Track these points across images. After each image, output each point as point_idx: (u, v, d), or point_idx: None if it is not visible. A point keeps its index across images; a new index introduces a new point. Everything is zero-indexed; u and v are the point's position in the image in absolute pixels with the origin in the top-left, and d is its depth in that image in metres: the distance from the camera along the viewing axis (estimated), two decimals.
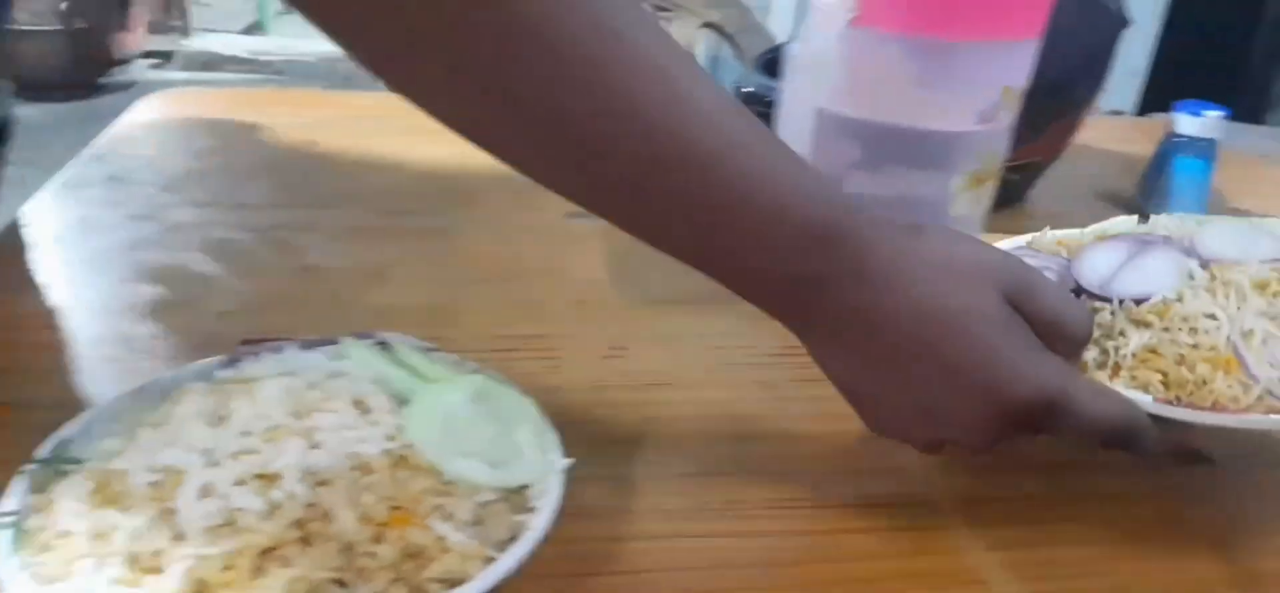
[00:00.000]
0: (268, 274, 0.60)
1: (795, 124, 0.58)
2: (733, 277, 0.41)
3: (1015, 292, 0.39)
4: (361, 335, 0.42)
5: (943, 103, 0.54)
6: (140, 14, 3.98)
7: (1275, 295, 0.44)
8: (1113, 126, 1.03)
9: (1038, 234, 0.54)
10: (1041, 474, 0.47)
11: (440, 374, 0.40)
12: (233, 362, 0.40)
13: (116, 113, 0.87)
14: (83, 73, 3.69)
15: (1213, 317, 0.43)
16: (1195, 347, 0.42)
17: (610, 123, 0.36)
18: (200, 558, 0.31)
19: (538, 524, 0.35)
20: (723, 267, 0.40)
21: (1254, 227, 0.49)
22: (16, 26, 3.36)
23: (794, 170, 0.39)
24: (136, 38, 3.99)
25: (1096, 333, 0.43)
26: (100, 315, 0.55)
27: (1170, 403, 0.41)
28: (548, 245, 0.67)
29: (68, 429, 0.37)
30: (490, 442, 0.38)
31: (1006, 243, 0.52)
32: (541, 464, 0.38)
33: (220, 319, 0.54)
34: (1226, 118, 0.81)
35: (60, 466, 0.36)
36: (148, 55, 4.09)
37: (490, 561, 0.33)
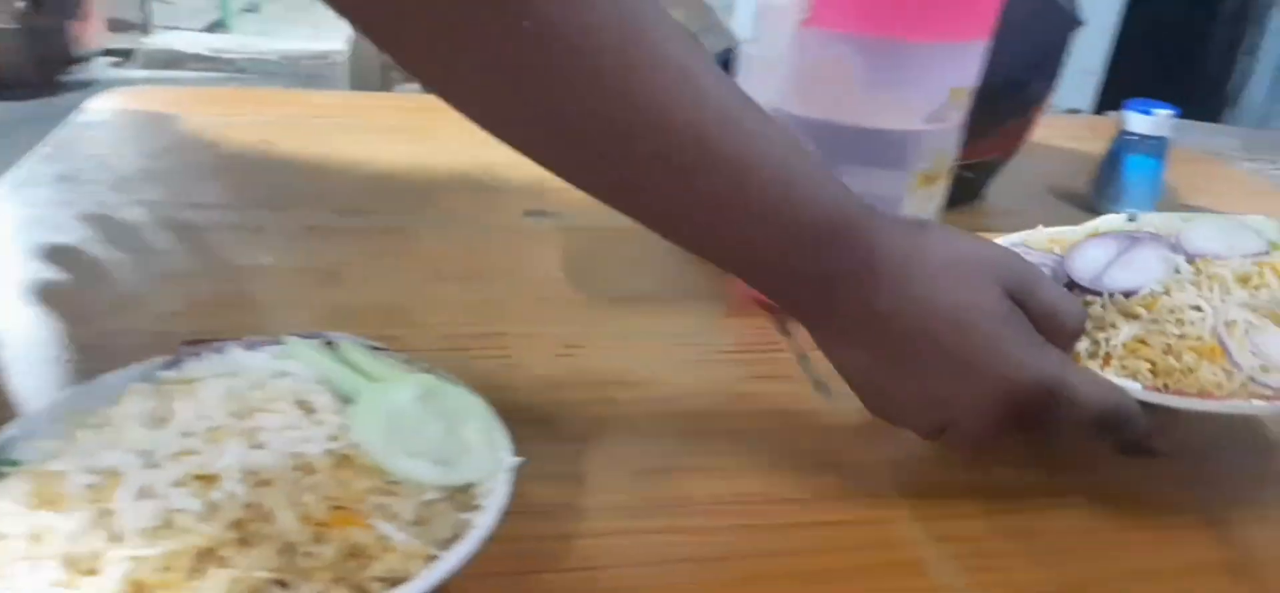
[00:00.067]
0: (219, 274, 0.60)
1: None
2: (748, 270, 0.43)
3: (1015, 286, 0.41)
4: (307, 335, 0.41)
5: (893, 103, 0.55)
6: (99, 11, 3.92)
7: (1257, 288, 0.46)
8: (1067, 125, 1.04)
9: (1031, 232, 0.55)
10: (985, 468, 0.47)
11: (387, 373, 0.40)
12: (175, 362, 0.40)
13: (74, 111, 0.86)
14: (41, 71, 3.62)
15: (1198, 308, 0.45)
16: (1181, 337, 0.45)
17: (636, 124, 0.37)
18: (137, 559, 0.31)
19: (483, 523, 0.35)
20: (738, 261, 0.42)
21: (1237, 223, 0.51)
22: None
23: (809, 169, 0.40)
24: (95, 35, 3.93)
25: (1088, 325, 0.45)
26: (46, 316, 0.54)
27: (1158, 390, 0.43)
28: (506, 245, 0.67)
29: (7, 431, 0.37)
30: (436, 441, 0.37)
31: (1002, 240, 0.53)
32: (489, 463, 0.38)
33: (169, 319, 0.54)
34: (1176, 116, 0.82)
35: None
36: (108, 53, 4.03)
37: (433, 559, 0.33)
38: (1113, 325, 0.46)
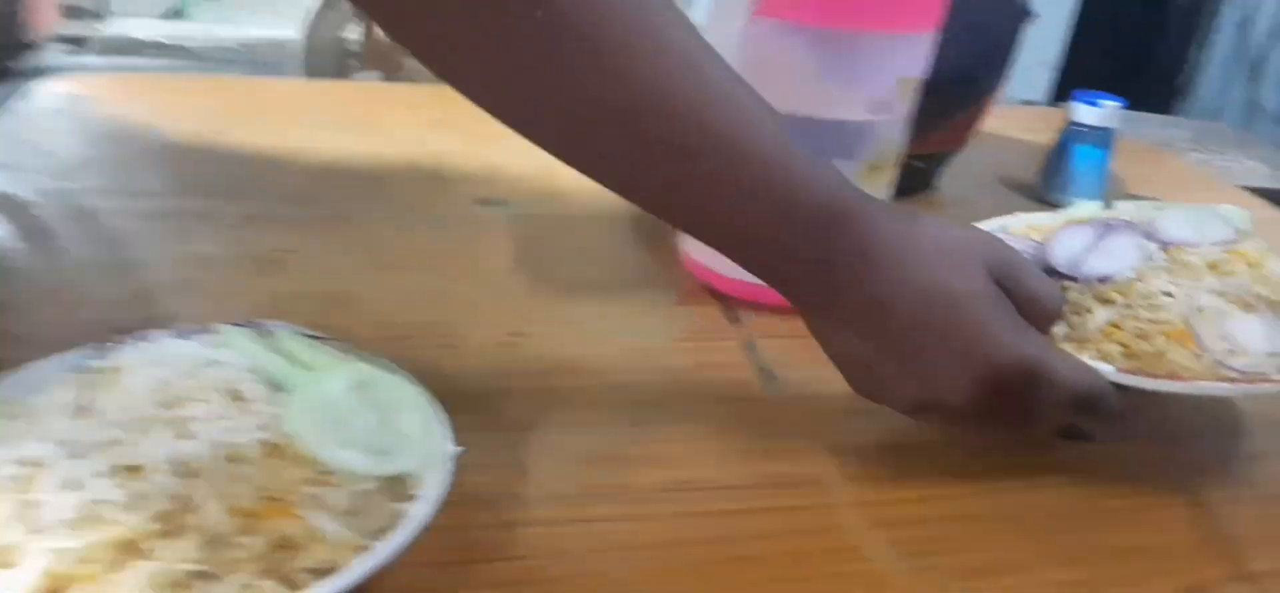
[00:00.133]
0: (159, 263, 0.59)
1: None
2: (746, 253, 0.43)
3: (1000, 270, 0.43)
4: (241, 324, 0.41)
5: (840, 93, 0.55)
6: None
7: (1226, 275, 0.48)
8: (1018, 115, 1.05)
9: (1011, 218, 0.57)
10: (927, 453, 0.48)
11: (323, 362, 0.39)
12: (102, 351, 0.39)
13: (15, 98, 0.84)
14: None
15: (1169, 294, 0.47)
16: (1153, 321, 0.46)
17: (642, 111, 0.39)
18: (57, 551, 0.30)
19: (418, 513, 0.35)
20: (737, 243, 0.43)
21: (1208, 212, 0.52)
22: None
23: (807, 157, 0.41)
24: (50, 22, 3.84)
25: (1066, 309, 0.47)
26: None
27: (1131, 372, 0.45)
28: (454, 233, 0.67)
29: None
30: (371, 430, 0.37)
31: (983, 225, 0.54)
32: (426, 452, 0.37)
33: (103, 308, 0.53)
34: (1124, 108, 0.84)
35: None
36: (62, 40, 3.94)
37: (366, 550, 0.33)
38: (1088, 310, 0.48)
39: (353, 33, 1.58)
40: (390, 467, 0.36)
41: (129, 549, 0.31)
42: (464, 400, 0.47)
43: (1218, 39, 2.27)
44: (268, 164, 0.75)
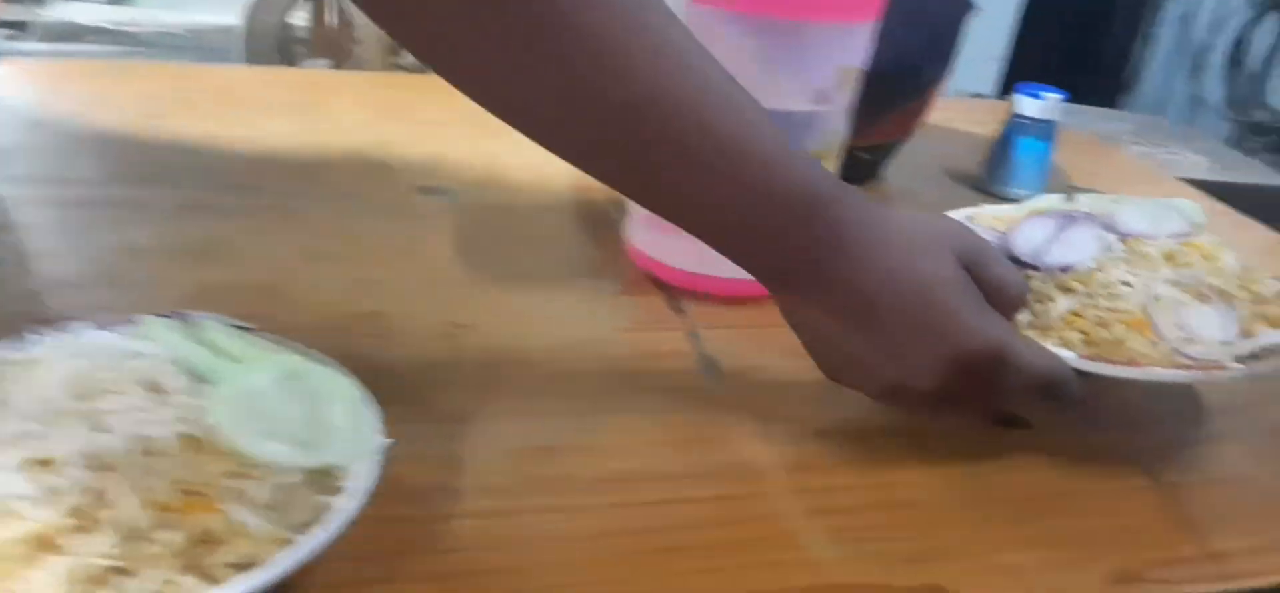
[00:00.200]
0: (88, 253, 0.57)
1: None
2: (727, 242, 0.44)
3: (968, 258, 0.44)
4: (166, 314, 0.40)
5: (781, 82, 0.55)
6: None
7: (1181, 267, 0.50)
8: (963, 108, 1.06)
9: (976, 210, 0.58)
10: (868, 441, 0.48)
11: (249, 354, 0.39)
12: (18, 343, 0.38)
13: None
14: None
15: (1128, 284, 0.48)
16: (1113, 310, 0.47)
17: (642, 108, 0.39)
18: None
19: (345, 506, 0.34)
20: (720, 234, 0.44)
21: (1166, 206, 0.54)
22: None
23: (785, 144, 0.42)
24: None
25: (1029, 297, 0.48)
26: None
27: (1091, 359, 0.46)
28: (395, 222, 0.66)
29: None
30: (298, 422, 0.36)
31: (952, 215, 0.55)
32: (355, 445, 0.37)
33: (27, 300, 0.51)
34: (1066, 100, 0.85)
35: None
36: (3, 26, 3.83)
37: (289, 544, 0.32)
38: (1051, 298, 0.49)
39: (299, 18, 1.56)
40: (317, 459, 0.35)
41: (42, 545, 0.30)
42: (399, 392, 0.46)
43: (1161, 33, 2.32)
44: (205, 152, 0.73)
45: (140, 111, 0.79)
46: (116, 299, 0.52)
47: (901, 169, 0.85)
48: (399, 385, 0.47)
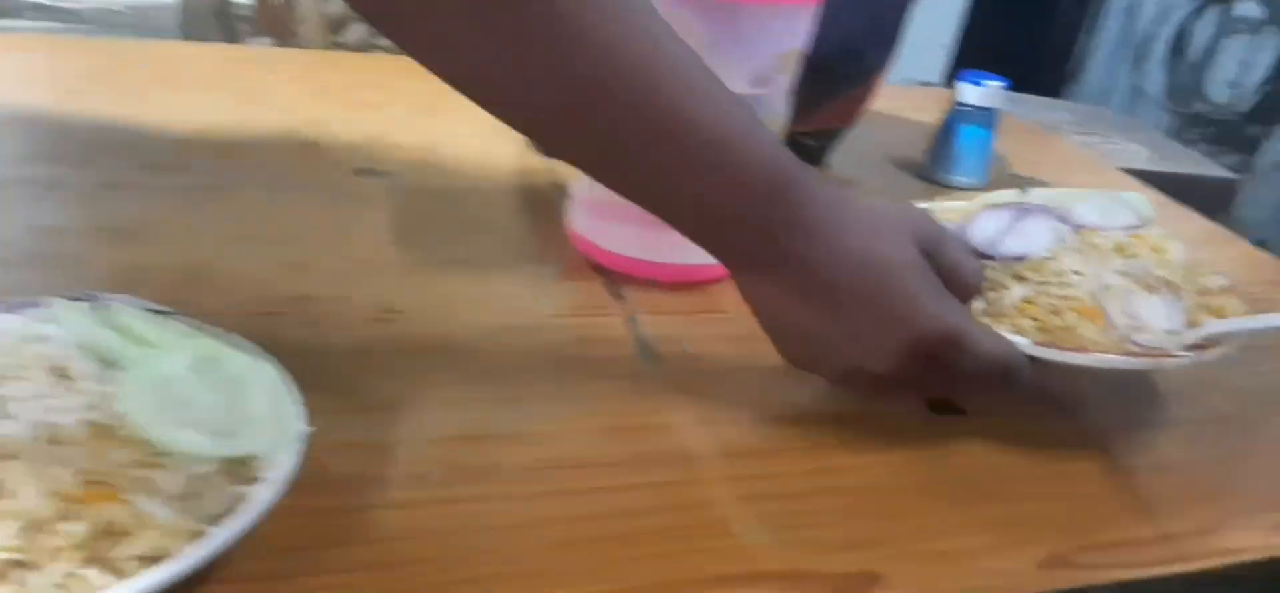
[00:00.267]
0: (3, 234, 0.55)
1: None
2: (687, 220, 0.44)
3: (926, 244, 0.45)
4: (75, 296, 0.38)
5: (718, 65, 0.54)
6: None
7: (1131, 258, 0.51)
8: (908, 95, 1.06)
9: (933, 203, 0.58)
10: (805, 427, 0.48)
11: (163, 339, 0.37)
12: None
13: None
14: None
15: (1080, 273, 0.49)
16: (1065, 298, 0.49)
17: (599, 79, 0.39)
18: None
19: (261, 496, 0.33)
20: (679, 212, 0.44)
21: (1117, 200, 0.56)
22: None
23: (751, 127, 0.43)
24: None
25: (983, 285, 0.49)
26: None
27: (1044, 345, 0.47)
28: (329, 204, 0.64)
29: None
30: (213, 410, 0.35)
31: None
32: (274, 433, 0.36)
33: None
34: (1008, 89, 0.85)
35: None
36: None
37: (200, 536, 0.31)
38: (1005, 286, 0.50)
39: None
40: (232, 448, 0.34)
41: None
42: (327, 380, 0.45)
43: (1105, 24, 2.36)
44: (131, 130, 0.71)
45: (66, 88, 0.77)
46: (31, 281, 0.50)
47: (846, 156, 0.85)
48: (327, 372, 0.46)
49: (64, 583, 0.29)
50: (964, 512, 0.44)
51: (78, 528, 0.30)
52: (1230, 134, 2.29)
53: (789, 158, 0.43)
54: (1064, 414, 0.53)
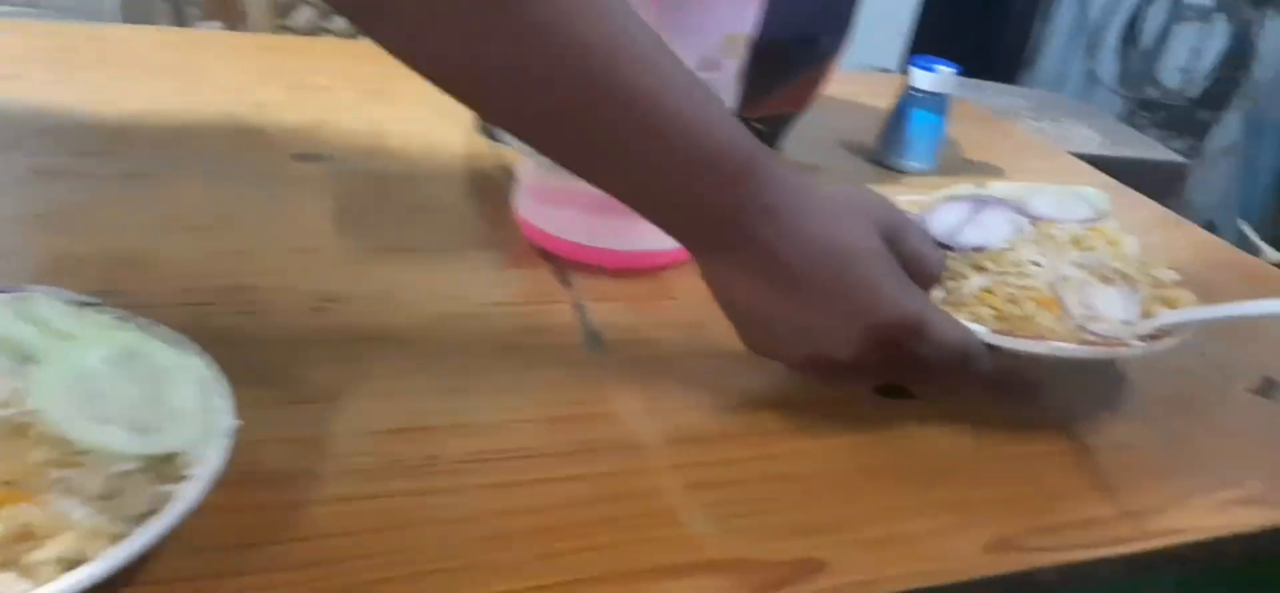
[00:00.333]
0: None
1: None
2: (650, 204, 0.44)
3: (889, 231, 0.45)
4: None
5: None
6: None
7: (1087, 250, 0.52)
8: (861, 80, 1.07)
9: (895, 198, 0.58)
10: (749, 413, 0.48)
11: (84, 332, 0.36)
12: None
13: None
14: None
15: (1037, 264, 0.50)
16: (1023, 288, 0.49)
17: (563, 63, 0.39)
18: None
19: (186, 494, 0.32)
20: (643, 195, 0.44)
21: (1074, 193, 0.57)
22: None
23: (714, 109, 0.42)
24: None
25: (943, 274, 0.50)
26: None
27: (1002, 334, 0.48)
28: (268, 190, 0.62)
29: None
30: (136, 406, 0.34)
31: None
32: (201, 428, 0.35)
33: None
34: (958, 73, 0.85)
35: None
36: None
37: (121, 537, 0.30)
38: (964, 276, 0.51)
39: None
40: (156, 445, 0.33)
41: None
42: (262, 371, 0.44)
43: (1060, 12, 2.38)
44: (65, 115, 0.69)
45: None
46: None
47: (799, 141, 0.84)
48: (262, 363, 0.45)
49: None
50: (914, 496, 0.44)
51: None
52: (1181, 119, 2.33)
53: (752, 141, 0.43)
54: (1016, 399, 0.53)
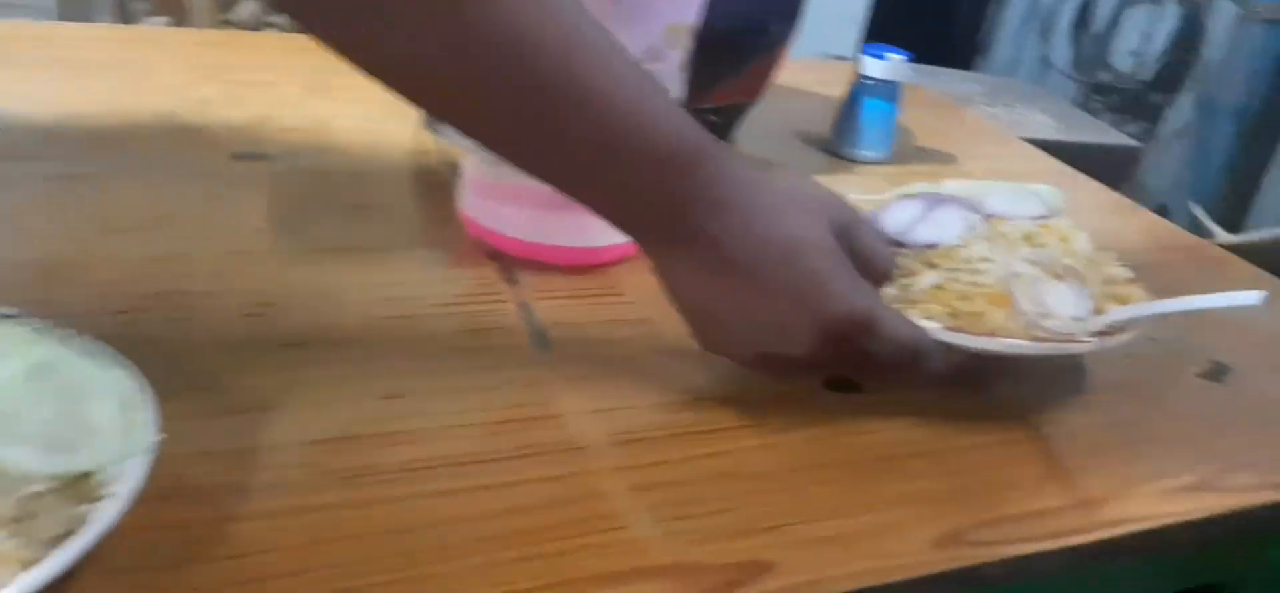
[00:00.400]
0: None
1: None
2: (599, 199, 0.44)
3: (841, 227, 0.45)
4: None
5: None
6: None
7: (1039, 247, 0.52)
8: (813, 69, 1.06)
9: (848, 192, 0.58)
10: (697, 412, 0.47)
11: None
12: None
13: None
14: None
15: (989, 261, 0.50)
16: (975, 285, 0.49)
17: (510, 54, 0.38)
18: None
19: (103, 515, 0.31)
20: (591, 191, 0.43)
21: (1026, 191, 0.57)
22: None
23: (663, 103, 0.42)
24: None
25: (895, 271, 0.50)
26: None
27: (954, 330, 0.47)
28: (205, 192, 0.61)
29: None
30: (49, 423, 0.32)
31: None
32: (121, 445, 0.33)
33: None
34: (911, 61, 0.85)
35: None
36: None
37: (34, 563, 0.29)
38: (916, 273, 0.50)
39: None
40: (71, 464, 0.32)
41: None
42: (192, 380, 0.43)
43: None
44: None
45: None
46: None
47: (752, 131, 0.84)
48: (193, 373, 0.43)
49: None
50: (864, 492, 0.44)
51: None
52: (1134, 103, 2.35)
53: (702, 133, 0.43)
54: (967, 395, 0.53)
